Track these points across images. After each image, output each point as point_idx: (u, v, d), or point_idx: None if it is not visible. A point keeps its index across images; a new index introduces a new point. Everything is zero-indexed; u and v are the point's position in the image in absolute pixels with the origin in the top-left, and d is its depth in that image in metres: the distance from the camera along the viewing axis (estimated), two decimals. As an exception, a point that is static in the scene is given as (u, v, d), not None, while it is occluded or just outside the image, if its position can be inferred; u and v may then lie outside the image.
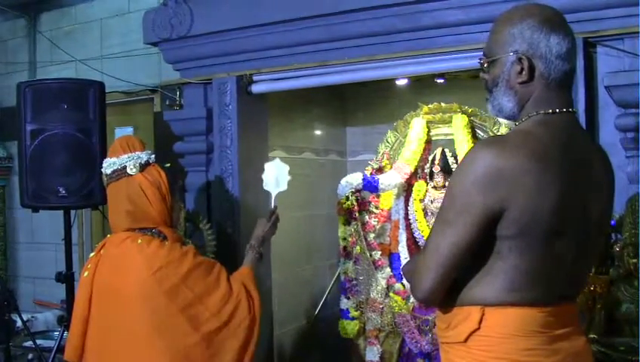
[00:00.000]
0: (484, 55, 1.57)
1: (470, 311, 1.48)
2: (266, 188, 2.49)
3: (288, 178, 2.48)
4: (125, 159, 2.26)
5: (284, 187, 2.48)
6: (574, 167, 1.44)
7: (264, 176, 2.50)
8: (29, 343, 3.52)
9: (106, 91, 3.07)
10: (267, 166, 2.52)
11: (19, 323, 3.65)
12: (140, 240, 2.19)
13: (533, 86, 1.48)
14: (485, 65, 1.55)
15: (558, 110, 1.47)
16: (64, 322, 3.00)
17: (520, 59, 1.46)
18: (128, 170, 2.24)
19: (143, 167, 2.27)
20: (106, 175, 2.28)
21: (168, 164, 2.47)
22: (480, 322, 1.47)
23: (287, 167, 2.49)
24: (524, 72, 1.46)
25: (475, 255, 1.46)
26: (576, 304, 1.58)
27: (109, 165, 2.28)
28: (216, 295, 2.20)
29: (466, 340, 1.48)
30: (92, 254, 2.29)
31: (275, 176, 2.48)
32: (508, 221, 1.39)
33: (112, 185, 2.27)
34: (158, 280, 2.12)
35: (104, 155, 2.88)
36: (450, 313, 1.54)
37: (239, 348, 2.19)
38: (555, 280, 1.47)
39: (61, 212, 3.09)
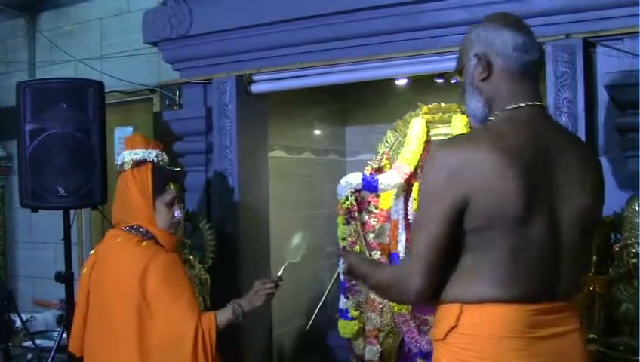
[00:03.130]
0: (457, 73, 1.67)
1: (450, 309, 1.50)
2: (285, 254, 2.39)
3: (304, 252, 2.38)
4: (125, 155, 2.32)
5: (296, 259, 2.36)
6: (539, 158, 1.46)
7: (289, 243, 2.39)
8: (28, 343, 3.52)
9: (106, 91, 3.07)
10: (295, 235, 2.42)
11: (18, 323, 3.65)
12: (120, 239, 2.23)
13: (496, 81, 1.54)
14: (459, 80, 1.65)
15: (522, 104, 1.52)
16: (63, 322, 3.00)
17: (479, 59, 1.54)
18: (125, 166, 2.29)
19: (137, 163, 2.29)
20: (116, 170, 2.37)
21: (178, 168, 2.51)
22: (458, 319, 1.49)
23: (307, 241, 2.40)
24: (484, 70, 1.54)
25: (455, 252, 1.49)
26: (573, 304, 1.54)
27: (117, 160, 2.37)
28: (170, 312, 2.13)
29: (444, 337, 1.51)
30: (92, 251, 2.36)
31: (296, 244, 2.37)
32: (475, 213, 1.43)
33: (117, 181, 2.34)
34: (131, 280, 2.13)
35: (104, 155, 2.93)
36: (437, 310, 1.57)
37: None
38: (534, 276, 1.45)
39: (60, 212, 3.09)
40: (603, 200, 1.58)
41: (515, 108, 1.52)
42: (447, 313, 1.51)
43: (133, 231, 2.25)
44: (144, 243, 2.22)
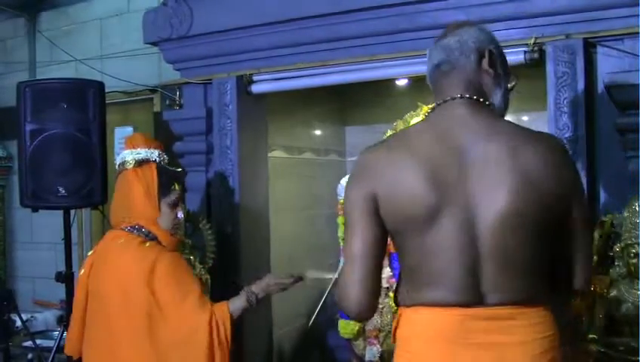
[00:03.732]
0: None
1: (399, 311, 1.52)
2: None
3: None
4: (126, 154, 2.31)
5: None
6: (450, 157, 1.43)
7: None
8: (28, 343, 3.52)
9: (106, 91, 3.07)
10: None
11: (18, 323, 3.65)
12: (122, 240, 2.21)
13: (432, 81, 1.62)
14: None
15: (443, 100, 1.55)
16: (63, 322, 3.00)
17: None
18: (126, 165, 2.28)
19: (140, 163, 2.29)
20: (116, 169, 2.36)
21: (180, 169, 2.51)
22: (398, 322, 1.51)
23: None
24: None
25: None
26: (527, 313, 1.41)
27: (117, 160, 2.36)
28: (181, 308, 2.13)
29: (394, 340, 1.53)
30: (90, 252, 2.34)
31: None
32: (385, 213, 1.44)
33: (117, 180, 2.33)
34: (138, 282, 2.12)
35: (104, 155, 2.93)
36: None
37: None
38: (450, 279, 1.40)
39: (61, 212, 3.09)
40: (553, 190, 1.42)
41: (437, 104, 1.56)
42: (398, 315, 1.53)
43: (135, 231, 2.24)
44: (147, 244, 2.21)
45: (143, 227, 2.25)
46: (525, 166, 1.40)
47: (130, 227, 2.25)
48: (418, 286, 1.45)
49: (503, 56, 1.62)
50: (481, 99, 1.52)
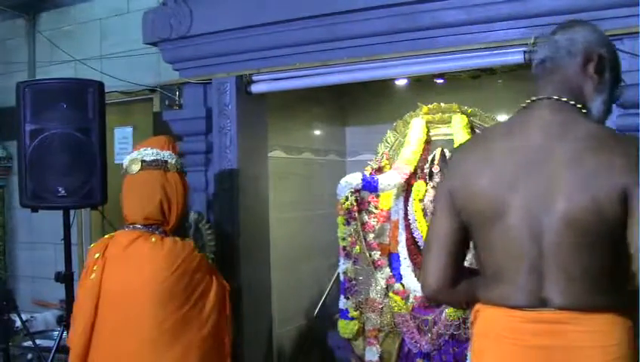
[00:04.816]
0: None
1: (476, 306, 1.56)
2: None
3: None
4: (168, 155, 2.33)
5: None
6: (522, 152, 1.44)
7: None
8: (28, 343, 3.52)
9: (106, 91, 3.07)
10: None
11: (18, 323, 3.65)
12: (153, 239, 2.21)
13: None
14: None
15: (532, 100, 1.53)
16: (63, 322, 3.00)
17: None
18: (169, 165, 2.30)
19: (179, 170, 2.39)
20: (144, 161, 2.31)
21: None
22: (475, 317, 1.55)
23: None
24: None
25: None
26: (584, 318, 1.38)
27: (150, 153, 2.33)
28: (213, 290, 2.30)
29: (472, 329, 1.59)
30: (97, 255, 2.24)
31: None
32: (458, 206, 1.51)
33: (146, 173, 2.29)
34: (178, 278, 2.17)
35: (104, 155, 2.93)
36: None
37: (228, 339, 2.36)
38: (512, 280, 1.41)
39: (60, 212, 3.09)
40: (617, 196, 1.35)
41: (530, 102, 1.54)
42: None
43: (156, 231, 2.28)
44: (178, 241, 2.29)
45: (159, 226, 2.28)
46: (593, 171, 1.37)
47: (147, 226, 2.26)
48: (488, 282, 1.50)
49: (616, 62, 1.57)
50: (573, 102, 1.48)
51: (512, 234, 1.41)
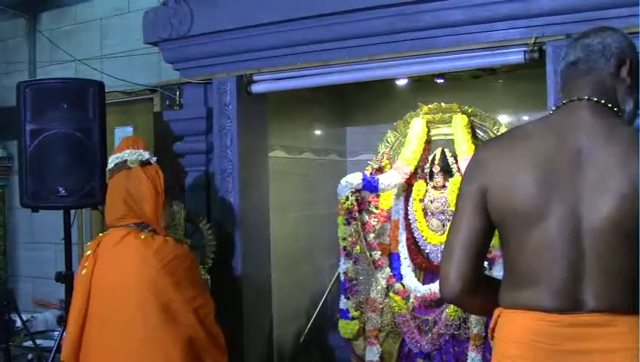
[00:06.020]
0: None
1: (497, 311, 1.53)
2: None
3: None
4: (127, 154, 2.34)
5: None
6: (562, 158, 1.43)
7: None
8: (28, 343, 3.52)
9: (106, 91, 3.07)
10: None
11: (18, 323, 3.65)
12: (143, 236, 2.23)
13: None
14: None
15: (569, 100, 1.52)
16: (63, 322, 3.00)
17: None
18: (129, 163, 2.31)
19: (144, 163, 2.35)
20: (109, 170, 2.38)
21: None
22: (496, 322, 1.52)
23: None
24: None
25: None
26: (617, 319, 1.38)
27: (112, 161, 2.38)
28: (206, 291, 2.35)
29: (491, 337, 1.55)
30: (89, 252, 2.30)
31: None
32: (491, 207, 1.47)
33: (113, 178, 2.35)
34: (168, 273, 2.18)
35: (104, 155, 2.93)
36: None
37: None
38: (549, 282, 1.40)
39: (61, 212, 3.09)
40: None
41: (563, 103, 1.53)
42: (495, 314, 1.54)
43: (144, 228, 2.28)
44: (170, 238, 2.30)
45: (148, 224, 2.29)
46: (635, 174, 1.38)
47: (136, 224, 2.28)
48: (518, 285, 1.46)
49: (637, 66, 1.58)
50: (610, 105, 1.50)
51: (551, 235, 1.40)
